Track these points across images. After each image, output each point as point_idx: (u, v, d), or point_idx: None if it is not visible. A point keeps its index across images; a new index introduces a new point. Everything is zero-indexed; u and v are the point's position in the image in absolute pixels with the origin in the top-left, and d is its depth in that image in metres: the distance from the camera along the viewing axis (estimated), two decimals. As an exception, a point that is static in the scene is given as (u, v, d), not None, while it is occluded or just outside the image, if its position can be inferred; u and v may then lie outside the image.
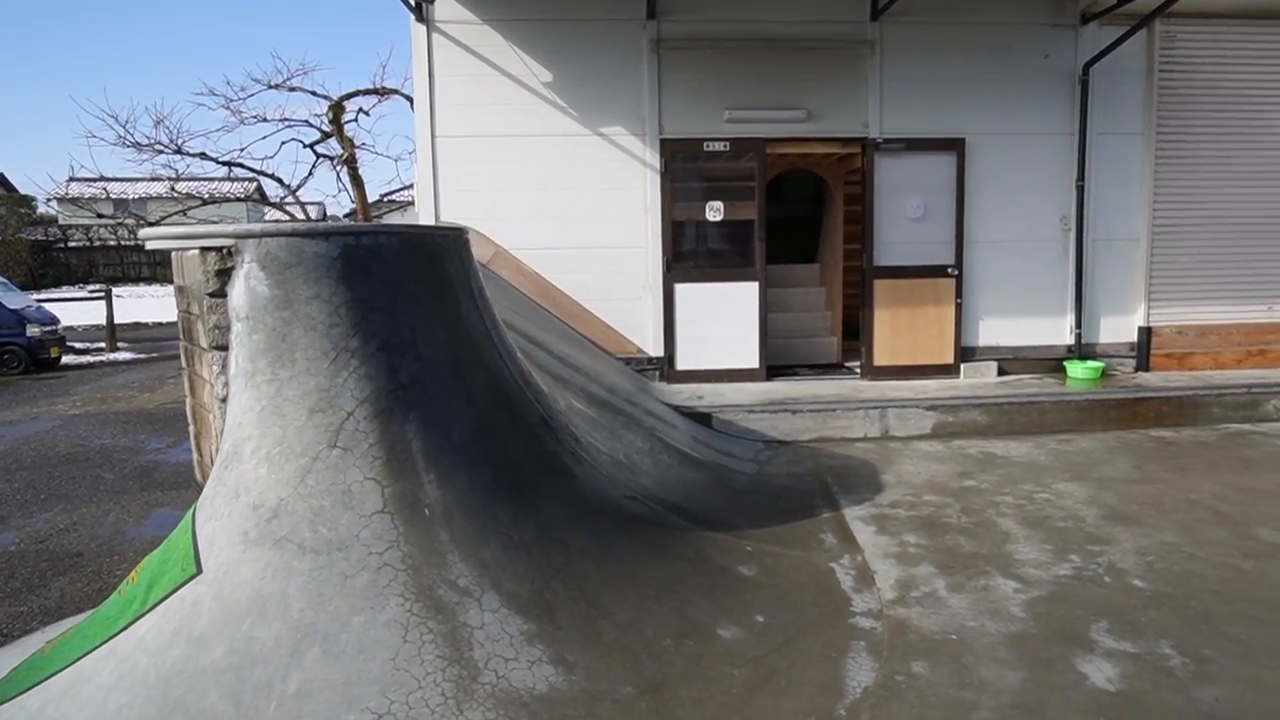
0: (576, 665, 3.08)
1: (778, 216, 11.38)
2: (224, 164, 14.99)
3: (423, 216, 7.65)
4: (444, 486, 3.46)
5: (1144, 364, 7.77)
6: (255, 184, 25.43)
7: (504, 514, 3.59)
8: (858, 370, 7.81)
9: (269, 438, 3.33)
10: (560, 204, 7.57)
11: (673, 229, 7.58)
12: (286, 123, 16.42)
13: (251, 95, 21.81)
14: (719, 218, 7.62)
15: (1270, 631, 3.47)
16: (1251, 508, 4.93)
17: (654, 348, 7.70)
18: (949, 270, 7.60)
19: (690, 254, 7.72)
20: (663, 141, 7.51)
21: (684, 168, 7.68)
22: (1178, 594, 3.82)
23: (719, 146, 7.56)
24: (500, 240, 7.58)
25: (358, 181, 14.50)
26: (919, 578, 4.04)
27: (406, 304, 3.76)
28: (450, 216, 7.52)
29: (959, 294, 7.63)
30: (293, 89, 14.41)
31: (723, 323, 7.66)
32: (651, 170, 7.55)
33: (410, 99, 11.76)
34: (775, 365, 8.28)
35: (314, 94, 14.88)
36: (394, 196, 19.14)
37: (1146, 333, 7.76)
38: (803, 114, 7.56)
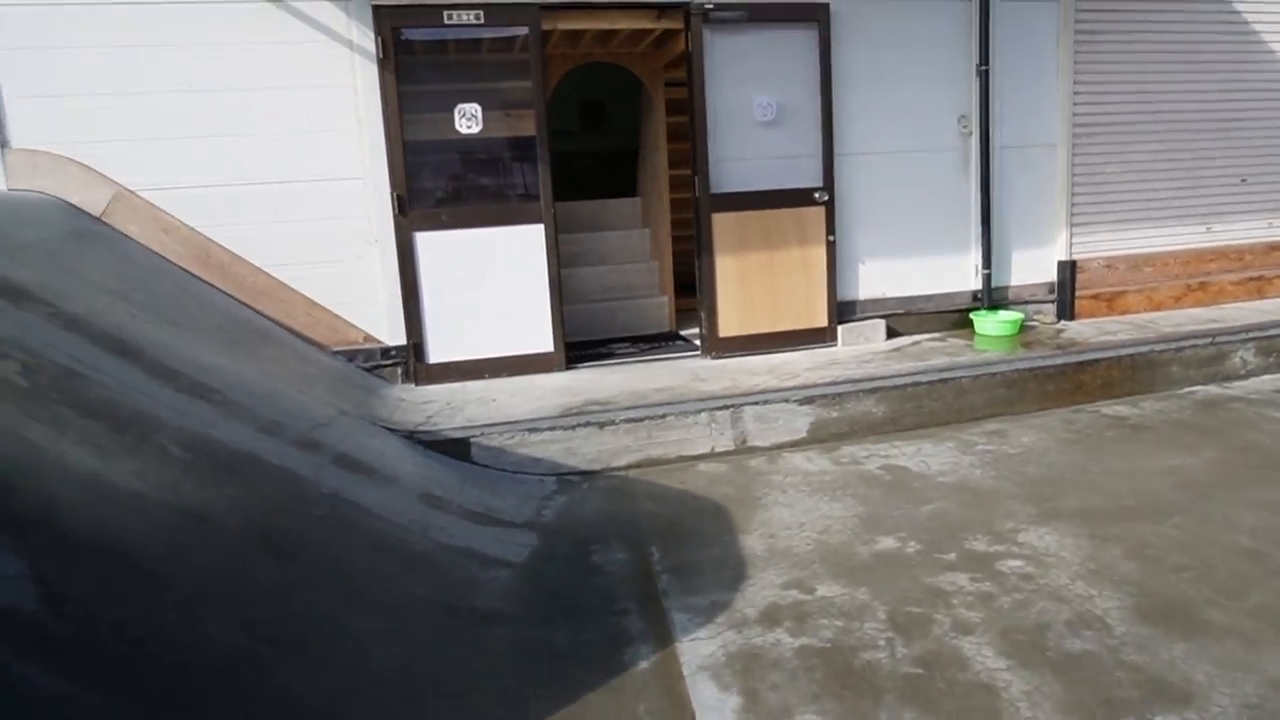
0: None
1: (593, 146, 8.85)
2: None
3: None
4: None
5: (1067, 309, 5.85)
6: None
7: None
8: (698, 343, 5.45)
9: None
10: (219, 115, 4.68)
11: (406, 151, 4.87)
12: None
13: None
14: (475, 130, 4.96)
15: None
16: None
17: (391, 332, 5.02)
18: (816, 195, 5.32)
19: (437, 189, 5.04)
20: (377, 9, 4.74)
21: (417, 56, 4.96)
22: None
23: (469, 17, 4.87)
24: (121, 177, 4.62)
25: None
26: None
27: None
28: (27, 140, 4.48)
29: (830, 229, 5.37)
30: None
31: (494, 288, 5.07)
32: (363, 58, 4.78)
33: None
34: (583, 343, 5.79)
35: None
36: None
37: (1070, 269, 5.82)
38: (593, -34, 5.00)
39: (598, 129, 9.12)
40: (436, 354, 5.06)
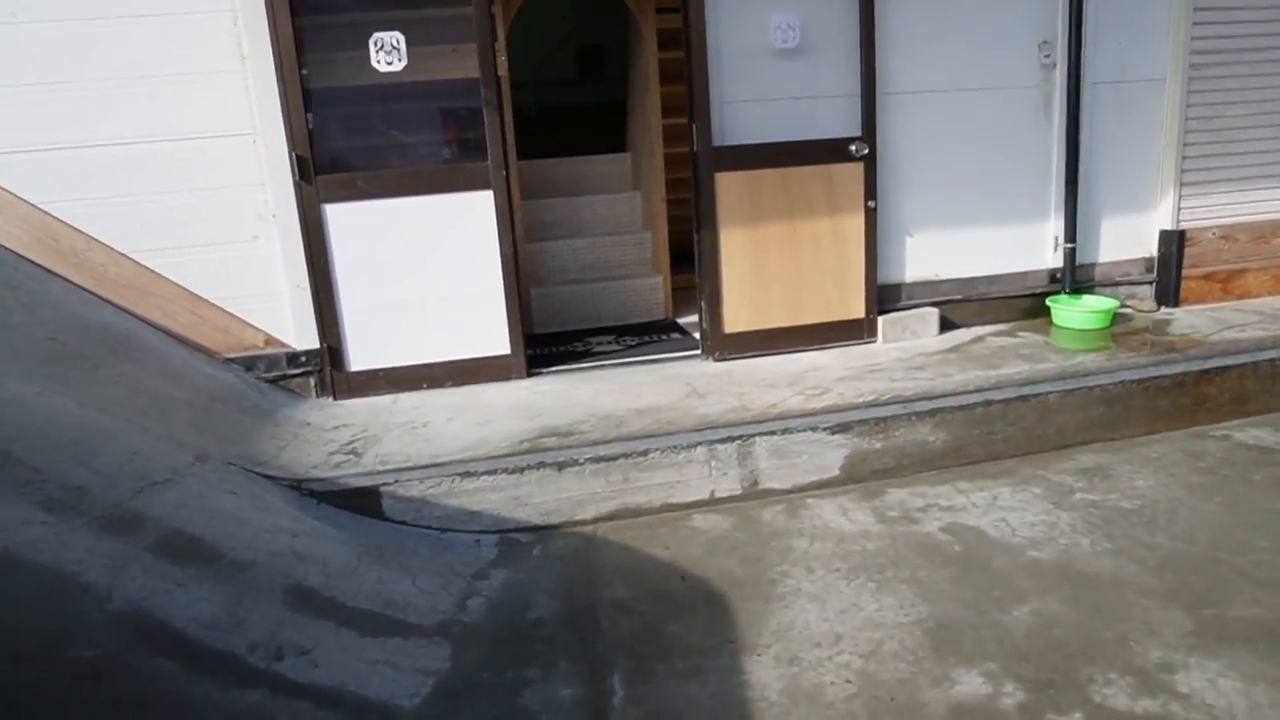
0: None
1: (591, 98, 7.59)
2: None
3: None
4: None
5: (1170, 293, 4.60)
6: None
7: None
8: (699, 338, 4.28)
9: None
10: (57, 54, 3.52)
11: (308, 99, 3.69)
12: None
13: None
14: (399, 67, 3.75)
15: None
16: None
17: (299, 334, 3.90)
18: (852, 148, 4.08)
19: (351, 149, 3.86)
20: (264, -97, 3.54)
21: (324, -36, 3.75)
22: None
23: (389, -86, 3.65)
24: (-65, 135, 3.50)
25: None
26: None
27: None
28: None
29: (871, 191, 4.14)
30: None
31: (432, 274, 3.92)
32: (249, -31, 3.59)
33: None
34: (555, 336, 4.65)
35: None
36: None
37: (1176, 241, 4.56)
38: None
39: (596, 78, 7.86)
40: (359, 360, 3.93)
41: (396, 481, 3.06)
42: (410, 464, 3.14)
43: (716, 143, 3.96)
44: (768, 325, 4.16)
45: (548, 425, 3.42)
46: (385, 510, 3.06)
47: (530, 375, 4.08)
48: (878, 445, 3.39)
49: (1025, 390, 3.52)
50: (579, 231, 5.24)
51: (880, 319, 4.28)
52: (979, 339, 4.31)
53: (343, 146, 3.82)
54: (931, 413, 3.43)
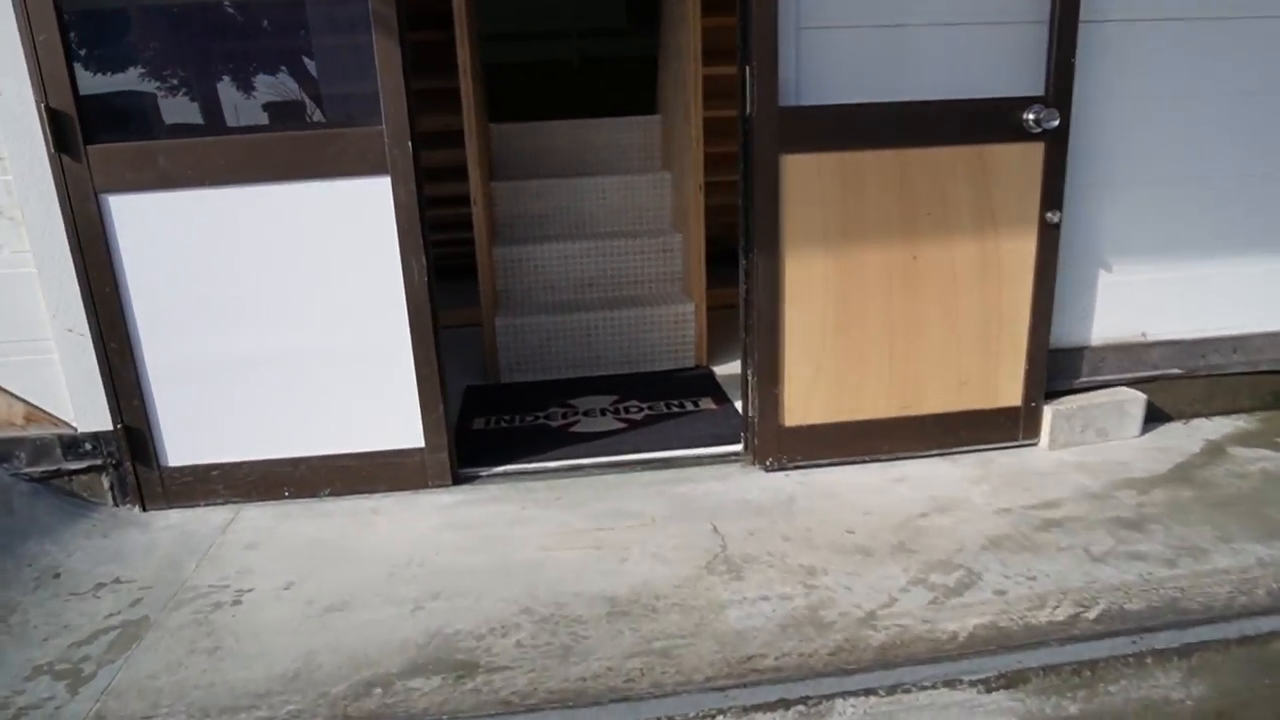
0: None
1: (642, 49, 5.87)
2: None
3: None
4: None
5: None
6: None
7: None
8: (741, 428, 2.60)
9: None
10: None
11: (67, 23, 2.10)
12: None
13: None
14: (231, -49, 2.14)
15: None
16: None
17: (82, 406, 2.37)
18: (1030, 118, 2.30)
19: (150, 105, 2.26)
20: None
21: None
22: None
23: None
24: None
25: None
26: None
27: None
28: None
29: (1054, 194, 2.38)
30: None
31: (294, 313, 2.33)
32: None
33: None
34: (524, 391, 3.04)
35: None
36: None
37: None
38: None
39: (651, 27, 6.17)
40: (180, 449, 2.40)
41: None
42: (146, 732, 1.59)
43: (787, 101, 2.26)
44: (857, 415, 2.48)
45: (439, 630, 1.84)
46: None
47: (460, 480, 2.49)
48: (1073, 711, 1.72)
49: (1376, 611, 1.80)
50: (577, 230, 3.59)
51: (1047, 408, 2.56)
52: (1217, 449, 2.56)
53: (135, 101, 2.23)
54: (1183, 651, 1.74)
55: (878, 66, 2.30)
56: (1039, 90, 2.33)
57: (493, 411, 3.01)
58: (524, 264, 3.41)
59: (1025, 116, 2.31)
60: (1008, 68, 2.33)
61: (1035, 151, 2.35)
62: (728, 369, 3.33)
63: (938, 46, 2.30)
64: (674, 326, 3.35)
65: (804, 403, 2.46)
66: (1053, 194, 2.38)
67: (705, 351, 3.41)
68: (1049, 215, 2.38)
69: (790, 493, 2.37)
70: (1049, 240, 2.42)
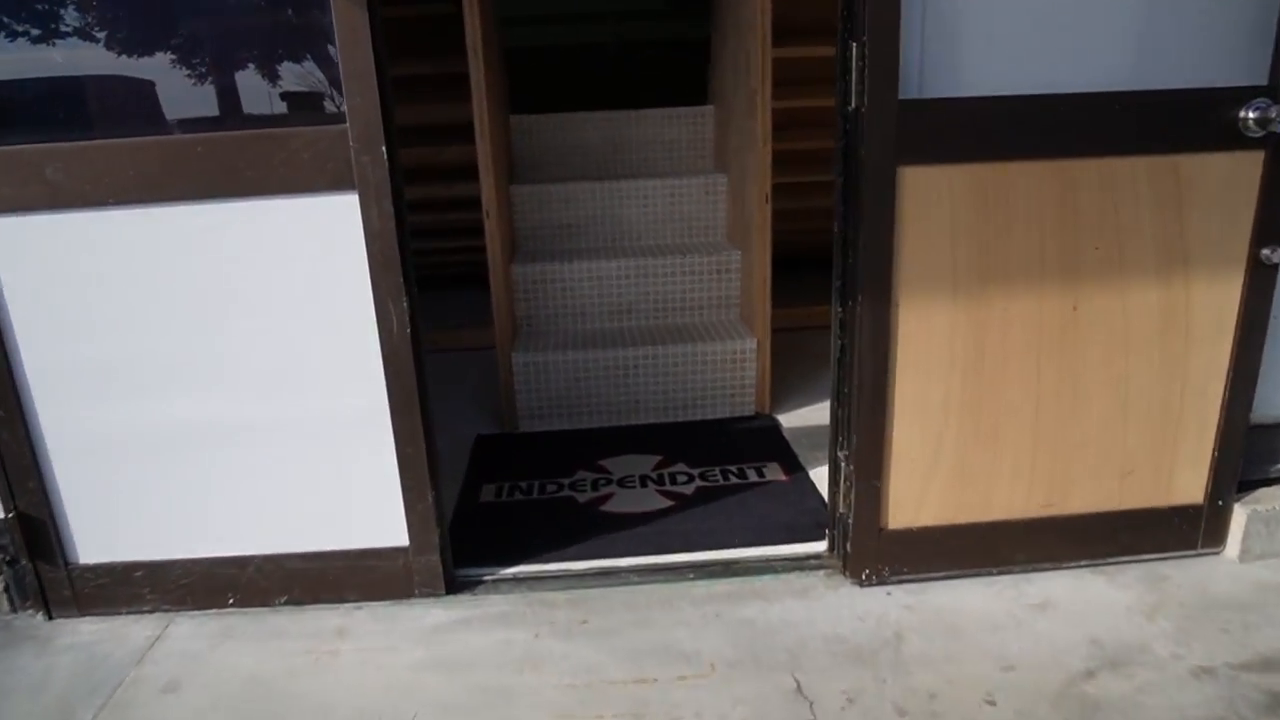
0: None
1: (686, 34, 5.23)
2: None
3: None
4: None
5: None
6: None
7: None
8: (815, 505, 2.00)
9: None
10: None
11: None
12: None
13: None
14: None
15: None
16: None
17: (-47, 497, 1.83)
18: (1246, 117, 1.65)
19: (35, 95, 1.69)
20: None
21: None
22: None
23: None
24: None
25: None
26: None
27: None
28: None
29: (1270, 223, 1.73)
30: None
31: (241, 371, 1.76)
32: None
33: None
34: (544, 443, 2.45)
35: None
36: None
37: None
38: None
39: (694, 9, 5.51)
40: (94, 544, 1.84)
41: None
42: None
43: (908, 93, 1.62)
44: (985, 515, 1.85)
45: None
46: None
47: (456, 587, 1.91)
48: None
49: None
50: (613, 244, 2.98)
51: (1239, 506, 1.91)
52: None
53: (17, 90, 1.66)
54: None
55: (1031, 45, 1.65)
56: (1260, 79, 1.67)
57: (506, 476, 2.42)
58: (548, 285, 2.81)
59: (1241, 115, 1.65)
60: (1214, 48, 1.67)
61: (1252, 163, 1.69)
62: (795, 418, 2.72)
63: (1117, 17, 1.65)
64: (731, 366, 2.73)
65: (915, 499, 1.83)
66: (1273, 222, 1.72)
67: (769, 396, 2.78)
68: (1265, 252, 1.72)
69: (897, 625, 1.75)
70: (1262, 284, 1.76)
